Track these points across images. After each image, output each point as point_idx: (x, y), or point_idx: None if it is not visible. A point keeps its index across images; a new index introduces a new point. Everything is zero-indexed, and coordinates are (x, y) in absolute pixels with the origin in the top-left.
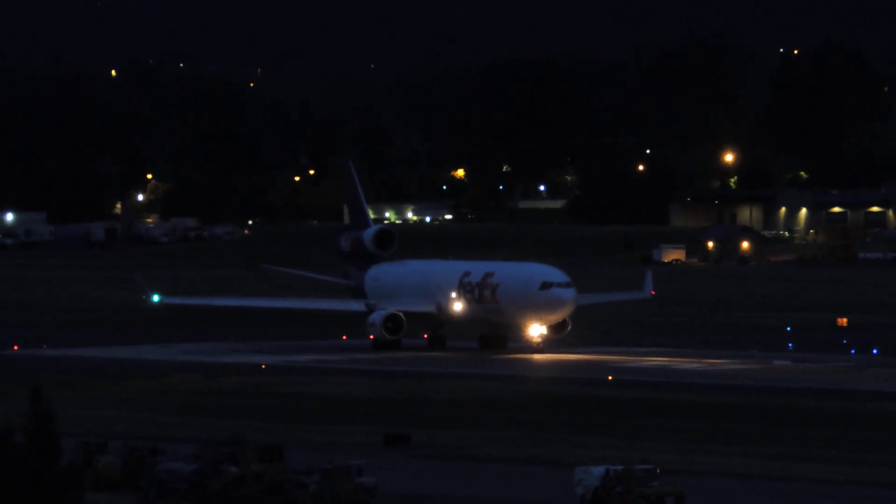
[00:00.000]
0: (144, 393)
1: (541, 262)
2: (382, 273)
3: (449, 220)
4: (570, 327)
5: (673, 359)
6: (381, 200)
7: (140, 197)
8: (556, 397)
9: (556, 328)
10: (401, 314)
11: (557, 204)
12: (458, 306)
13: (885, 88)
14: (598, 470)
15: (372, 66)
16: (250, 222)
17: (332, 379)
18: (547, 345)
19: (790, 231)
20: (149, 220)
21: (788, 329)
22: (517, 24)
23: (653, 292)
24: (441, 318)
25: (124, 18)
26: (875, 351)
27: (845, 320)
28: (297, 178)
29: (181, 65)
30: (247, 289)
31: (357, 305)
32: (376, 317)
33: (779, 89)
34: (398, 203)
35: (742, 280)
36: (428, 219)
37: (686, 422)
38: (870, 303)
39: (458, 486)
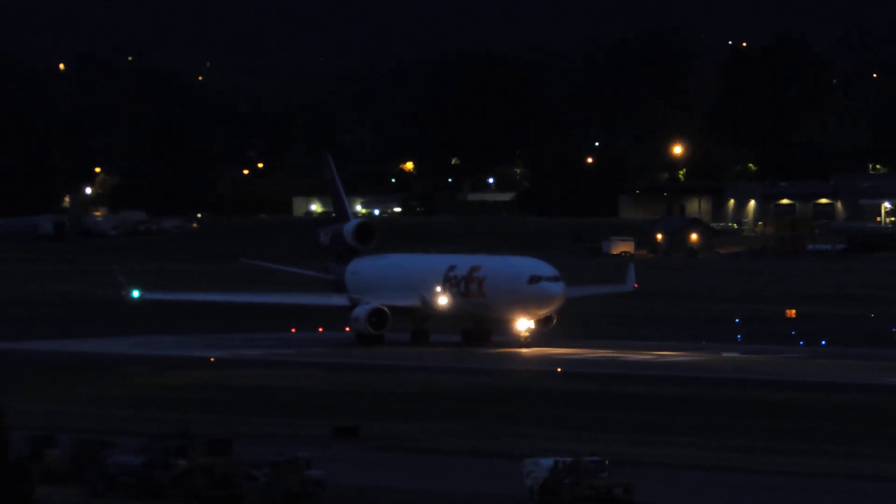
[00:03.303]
0: (93, 386)
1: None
2: (363, 267)
3: (397, 213)
4: (555, 321)
5: (622, 351)
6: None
7: (88, 190)
8: (508, 389)
9: (540, 322)
10: (385, 308)
11: (506, 197)
12: (443, 300)
13: (834, 81)
14: (547, 462)
15: (321, 58)
16: (199, 215)
17: (281, 371)
18: (533, 339)
19: (739, 223)
20: (97, 214)
21: (737, 320)
22: (467, 16)
23: (636, 285)
24: (425, 312)
25: (73, 12)
26: (824, 342)
27: (794, 311)
28: (245, 172)
29: (130, 58)
30: (198, 282)
31: (340, 300)
32: (360, 311)
33: (728, 82)
34: (347, 196)
35: (691, 272)
36: (377, 212)
37: (637, 413)
38: (818, 294)
39: (406, 479)
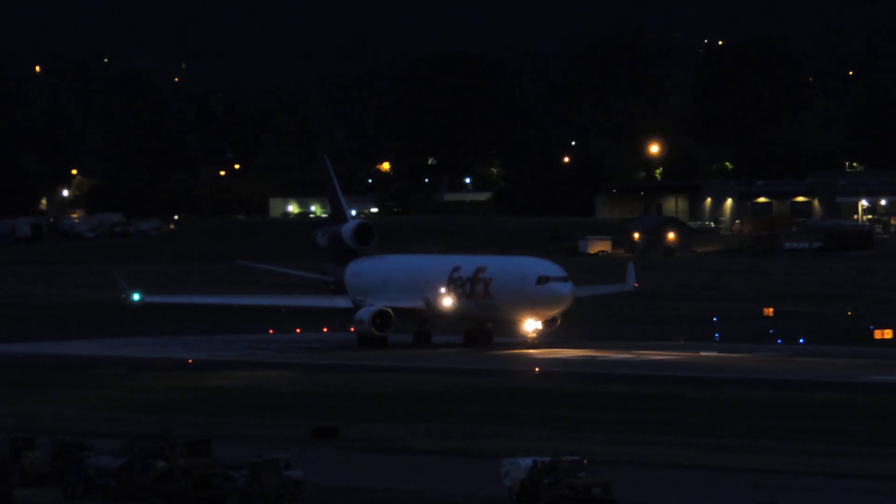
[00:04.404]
0: (72, 388)
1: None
2: (363, 268)
3: (374, 213)
4: (559, 322)
5: (600, 351)
6: (307, 195)
7: (65, 192)
8: (487, 389)
9: (545, 323)
10: (390, 310)
11: (483, 196)
12: (447, 301)
13: (810, 79)
14: (526, 462)
15: (296, 60)
16: (176, 217)
17: (259, 373)
18: (540, 340)
19: (716, 222)
20: (74, 216)
21: (715, 319)
22: (443, 17)
23: (636, 284)
24: (429, 313)
25: (48, 13)
26: (801, 340)
27: (771, 310)
28: (222, 173)
29: (105, 60)
30: (180, 284)
31: (343, 302)
32: (364, 313)
33: (705, 81)
34: (324, 197)
35: (668, 271)
36: (353, 212)
37: (616, 413)
38: (796, 292)
39: (385, 479)
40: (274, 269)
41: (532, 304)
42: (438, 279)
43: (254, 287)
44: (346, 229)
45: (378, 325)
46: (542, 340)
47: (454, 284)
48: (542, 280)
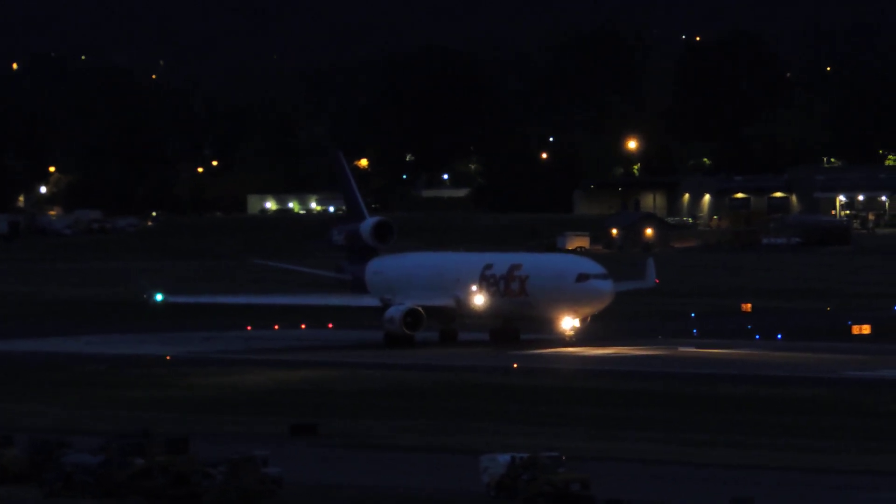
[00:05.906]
0: (50, 385)
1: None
2: (386, 266)
3: None
4: (588, 319)
5: (581, 348)
6: (286, 191)
7: (43, 189)
8: (466, 385)
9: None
10: (420, 309)
11: (461, 193)
12: (479, 300)
13: (788, 75)
14: (504, 458)
15: (275, 56)
16: (154, 214)
17: (237, 370)
18: (577, 338)
19: (694, 217)
20: (52, 213)
21: (693, 315)
22: (423, 13)
23: (657, 280)
24: (458, 312)
25: (26, 10)
26: (779, 336)
27: (749, 306)
28: (200, 170)
29: (83, 57)
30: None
31: (370, 300)
32: (395, 311)
33: (683, 76)
34: (302, 193)
35: (646, 267)
36: (332, 209)
37: (595, 409)
38: (774, 288)
39: (364, 476)
40: (288, 267)
41: (571, 301)
42: (469, 277)
43: (240, 285)
44: (365, 227)
45: (409, 324)
46: (579, 338)
47: (487, 282)
48: (582, 277)
